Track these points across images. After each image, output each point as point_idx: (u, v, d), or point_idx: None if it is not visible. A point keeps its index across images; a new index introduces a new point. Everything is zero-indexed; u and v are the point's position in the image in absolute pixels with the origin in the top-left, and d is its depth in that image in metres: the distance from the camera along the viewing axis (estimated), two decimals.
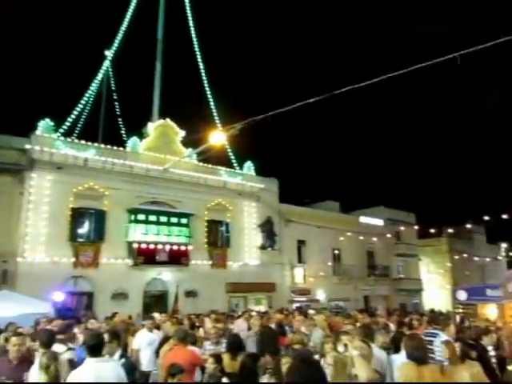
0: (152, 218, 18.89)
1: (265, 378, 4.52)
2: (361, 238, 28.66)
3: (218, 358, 5.18)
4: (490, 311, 11.41)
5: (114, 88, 23.26)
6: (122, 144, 20.03)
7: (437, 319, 7.46)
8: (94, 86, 20.50)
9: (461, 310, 12.31)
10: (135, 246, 18.01)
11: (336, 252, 28.34)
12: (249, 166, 23.99)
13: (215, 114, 23.44)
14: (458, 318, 10.71)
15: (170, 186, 19.91)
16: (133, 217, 18.44)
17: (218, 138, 14.80)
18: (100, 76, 20.92)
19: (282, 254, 24.52)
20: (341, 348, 4.97)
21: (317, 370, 2.96)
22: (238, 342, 5.87)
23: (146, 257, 18.16)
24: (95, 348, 4.00)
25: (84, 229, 17.76)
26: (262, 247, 23.48)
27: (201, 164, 21.47)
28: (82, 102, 19.64)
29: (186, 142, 21.28)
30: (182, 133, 21.32)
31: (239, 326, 10.27)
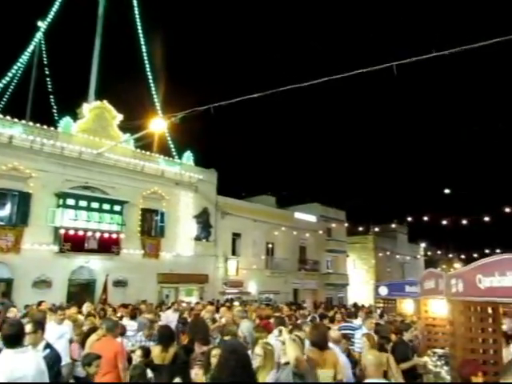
0: (82, 203, 18.03)
1: (194, 370, 4.56)
2: (294, 233, 29.49)
3: (146, 351, 5.13)
4: (407, 306, 12.35)
5: (46, 63, 21.80)
6: (54, 124, 18.89)
7: (350, 314, 7.94)
8: (23, 59, 19.05)
9: (381, 305, 13.19)
10: (62, 231, 17.10)
11: (270, 246, 28.93)
12: (188, 155, 23.68)
13: (156, 100, 22.83)
14: (378, 311, 11.45)
15: (103, 171, 19.11)
16: (61, 201, 17.47)
17: (157, 125, 14.43)
18: (31, 48, 19.49)
19: (216, 245, 24.56)
20: (276, 332, 5.22)
21: (244, 361, 3.09)
22: (168, 334, 5.85)
23: (73, 243, 17.31)
24: (14, 338, 3.76)
25: (5, 211, 16.52)
26: (197, 238, 23.36)
27: (138, 150, 20.85)
28: (10, 74, 18.19)
29: (124, 127, 20.51)
30: (119, 117, 20.50)
31: (168, 317, 10.19)
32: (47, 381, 3.82)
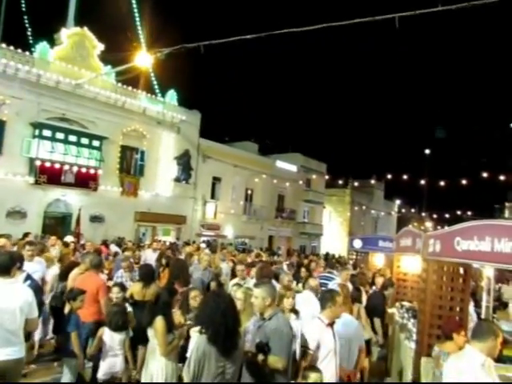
0: (59, 135, 17.41)
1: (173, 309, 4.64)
2: (274, 181, 29.65)
3: (122, 287, 5.19)
4: (378, 260, 12.82)
5: None
6: (28, 49, 17.64)
7: (333, 264, 8.20)
8: None
9: (354, 257, 13.65)
10: (38, 163, 16.60)
11: (249, 192, 29.11)
12: (172, 94, 22.88)
13: (141, 32, 21.52)
14: (351, 263, 11.87)
15: (82, 103, 18.31)
16: (37, 132, 16.81)
17: (141, 59, 13.69)
18: None
19: (196, 188, 24.52)
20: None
21: (228, 303, 3.15)
22: (149, 272, 5.97)
23: (49, 176, 16.91)
24: (4, 269, 3.69)
25: None
26: (177, 180, 23.22)
27: (119, 85, 19.96)
28: None
29: (105, 58, 19.44)
30: (100, 46, 19.32)
31: (147, 256, 10.28)
32: (36, 311, 3.86)
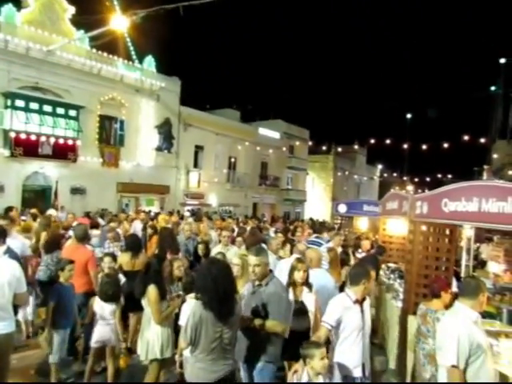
0: (34, 105, 16.75)
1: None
2: (257, 148, 29.49)
3: (113, 257, 5.16)
4: (362, 224, 13.04)
5: None
6: None
7: (320, 229, 8.29)
8: None
9: (338, 221, 13.85)
10: (12, 135, 16.02)
11: (232, 160, 28.93)
12: (150, 61, 22.09)
13: None
14: (336, 227, 12.05)
15: (56, 71, 17.55)
16: (9, 102, 16.12)
17: (116, 23, 13.02)
18: None
19: (178, 157, 24.20)
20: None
21: (221, 269, 3.14)
22: (137, 242, 5.95)
23: (25, 148, 16.37)
24: None
25: None
26: (159, 149, 22.84)
27: (94, 51, 19.13)
28: None
29: (77, 22, 18.48)
30: (71, 9, 18.32)
31: (135, 228, 10.22)
32: (24, 286, 3.81)
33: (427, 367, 3.98)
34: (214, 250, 6.44)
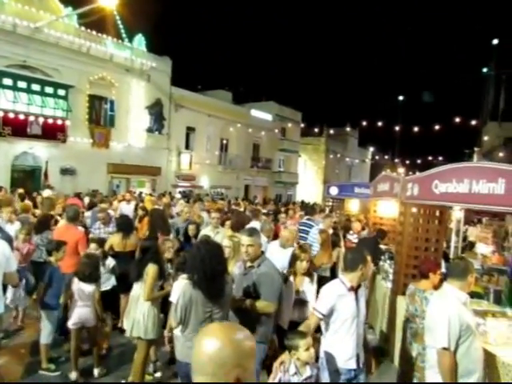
0: (22, 84, 16.37)
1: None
2: (249, 130, 29.29)
3: (100, 242, 5.13)
4: (353, 206, 13.13)
5: None
6: None
7: (313, 212, 8.31)
8: None
9: (330, 204, 13.92)
10: (0, 114, 15.70)
11: (224, 142, 28.75)
12: (140, 39, 21.61)
13: None
14: (327, 209, 12.11)
15: (44, 49, 17.11)
16: None
17: (105, 0, 12.73)
18: None
19: (169, 139, 23.97)
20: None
21: (210, 250, 3.13)
22: (129, 223, 5.92)
23: (14, 128, 16.06)
24: None
25: None
26: (150, 130, 22.59)
27: (83, 29, 18.67)
28: None
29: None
30: None
31: (123, 208, 10.16)
32: (14, 265, 3.81)
33: (414, 346, 4.06)
34: (203, 233, 6.34)
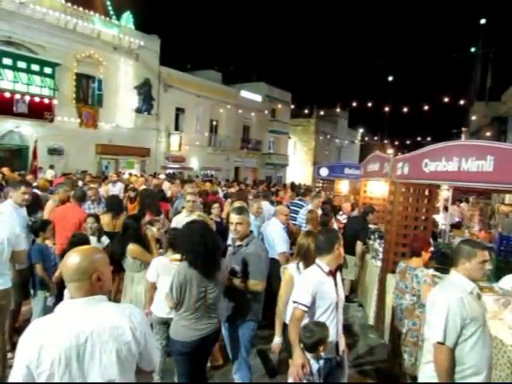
0: (7, 61, 15.95)
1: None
2: (239, 111, 29.05)
3: (96, 217, 5.13)
4: (343, 187, 13.24)
5: None
6: None
7: (304, 193, 8.38)
8: None
9: (320, 185, 14.01)
10: None
11: (214, 123, 28.53)
12: (128, 17, 21.14)
13: None
14: (317, 190, 12.18)
15: (29, 25, 16.63)
16: None
17: None
18: None
19: (158, 119, 23.71)
20: None
21: (207, 225, 3.24)
22: (118, 203, 5.90)
23: None
24: None
25: None
26: (138, 111, 22.28)
27: (69, 5, 18.16)
28: None
29: None
30: None
31: (113, 189, 10.11)
32: (23, 244, 3.82)
33: (404, 322, 4.12)
34: (175, 219, 5.68)
